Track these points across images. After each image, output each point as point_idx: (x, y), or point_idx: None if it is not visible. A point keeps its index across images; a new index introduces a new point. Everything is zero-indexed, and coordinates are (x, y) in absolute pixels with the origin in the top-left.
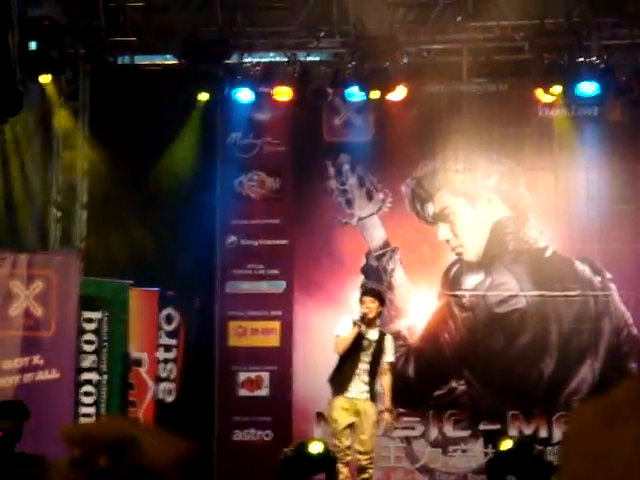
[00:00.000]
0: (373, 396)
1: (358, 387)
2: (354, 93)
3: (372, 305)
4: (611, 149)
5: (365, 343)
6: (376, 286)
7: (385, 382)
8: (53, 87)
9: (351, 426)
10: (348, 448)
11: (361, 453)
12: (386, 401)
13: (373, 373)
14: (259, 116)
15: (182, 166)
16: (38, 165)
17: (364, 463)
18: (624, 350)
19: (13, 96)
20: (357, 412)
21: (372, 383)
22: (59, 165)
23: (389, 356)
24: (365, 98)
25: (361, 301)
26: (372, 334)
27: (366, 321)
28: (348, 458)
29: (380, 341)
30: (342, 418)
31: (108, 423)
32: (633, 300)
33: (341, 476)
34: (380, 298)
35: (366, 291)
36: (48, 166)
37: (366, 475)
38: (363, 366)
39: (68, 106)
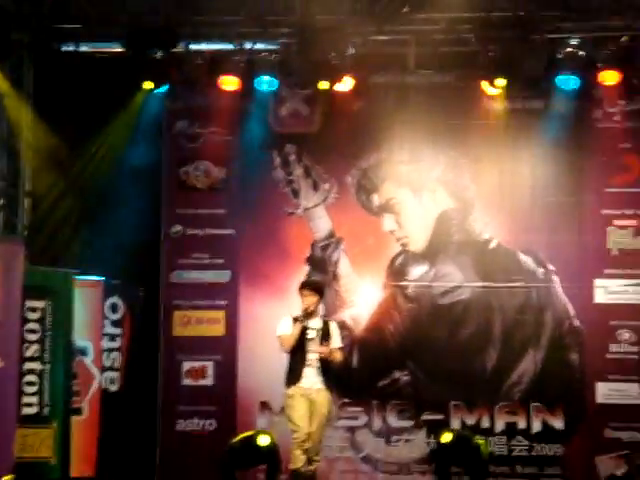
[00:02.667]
0: (327, 384)
1: (311, 378)
2: (300, 83)
3: (312, 298)
4: (555, 142)
5: (310, 333)
6: (315, 277)
7: (336, 356)
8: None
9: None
10: (307, 435)
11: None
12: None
13: (323, 361)
14: (205, 105)
15: (126, 154)
16: None
17: (311, 454)
18: (566, 341)
19: None
20: (311, 401)
21: (324, 371)
22: (4, 151)
23: (336, 341)
24: (312, 89)
25: (300, 294)
26: (315, 323)
27: (308, 315)
28: (307, 445)
29: (325, 328)
30: (300, 405)
31: None
32: (575, 292)
33: (299, 463)
34: (319, 290)
35: (305, 284)
36: None
37: (312, 467)
38: (312, 356)
39: (13, 93)
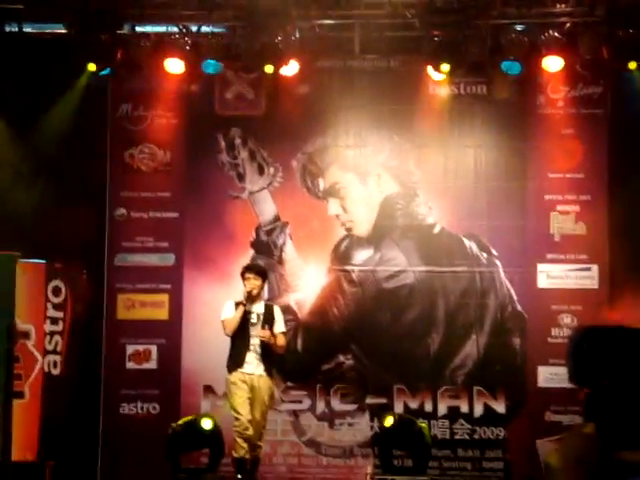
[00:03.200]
0: (269, 370)
1: (253, 363)
2: (246, 67)
3: (256, 282)
4: (499, 127)
5: (253, 318)
6: (258, 262)
7: (279, 341)
8: None
9: (249, 399)
10: (249, 422)
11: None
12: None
13: (265, 346)
14: (150, 88)
15: (69, 135)
16: None
17: (254, 441)
18: (508, 326)
19: None
20: (252, 388)
21: (266, 357)
22: None
23: (280, 326)
24: (258, 72)
25: (244, 277)
26: (258, 308)
27: (251, 298)
28: (249, 432)
29: (267, 313)
30: (242, 391)
31: None
32: (518, 277)
33: (242, 451)
34: (262, 273)
35: (249, 267)
36: None
37: (255, 453)
38: (255, 341)
39: None
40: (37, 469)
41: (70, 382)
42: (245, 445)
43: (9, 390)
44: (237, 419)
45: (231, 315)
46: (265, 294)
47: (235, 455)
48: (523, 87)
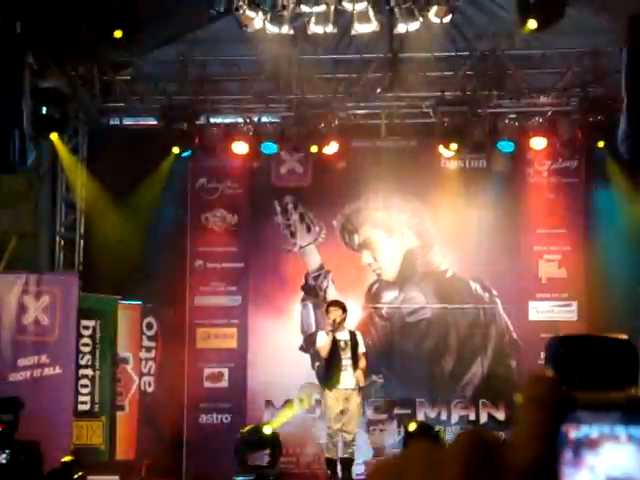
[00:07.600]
0: (357, 385)
1: (347, 379)
2: (296, 148)
3: (337, 312)
4: (497, 193)
5: (342, 344)
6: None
7: (361, 364)
8: (60, 143)
9: (341, 411)
10: (339, 430)
11: (347, 432)
12: (360, 368)
13: (355, 365)
14: (221, 165)
15: (159, 204)
16: (48, 204)
17: (349, 440)
18: (507, 351)
19: (23, 152)
20: (346, 399)
21: (353, 374)
22: (63, 204)
23: (362, 347)
24: (305, 152)
25: (328, 312)
26: (344, 335)
27: (335, 326)
28: (337, 438)
29: (352, 338)
30: (335, 406)
31: None
32: (513, 311)
33: (332, 453)
34: (342, 306)
35: (330, 303)
36: (55, 205)
37: (350, 450)
38: (346, 362)
39: (70, 157)
40: (136, 466)
41: (160, 397)
42: (334, 448)
43: (113, 404)
44: (329, 427)
45: (323, 342)
46: (345, 325)
47: (327, 455)
48: (515, 161)
